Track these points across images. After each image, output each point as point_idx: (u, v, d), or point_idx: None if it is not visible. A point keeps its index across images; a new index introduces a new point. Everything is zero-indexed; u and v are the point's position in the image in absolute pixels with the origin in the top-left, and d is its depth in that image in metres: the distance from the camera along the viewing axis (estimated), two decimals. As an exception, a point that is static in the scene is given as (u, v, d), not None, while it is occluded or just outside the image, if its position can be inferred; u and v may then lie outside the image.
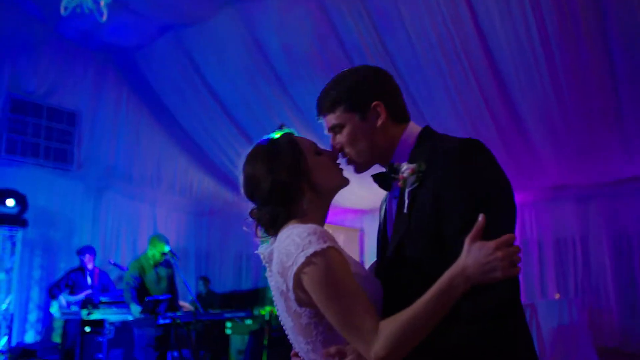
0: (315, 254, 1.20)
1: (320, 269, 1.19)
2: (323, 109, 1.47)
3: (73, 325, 6.36)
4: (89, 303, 6.42)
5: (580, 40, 6.10)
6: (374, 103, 1.42)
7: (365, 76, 1.47)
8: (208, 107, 8.97)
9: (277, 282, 1.29)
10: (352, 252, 6.75)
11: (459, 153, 1.28)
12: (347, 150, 1.45)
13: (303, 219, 1.34)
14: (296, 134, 1.48)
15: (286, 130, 1.49)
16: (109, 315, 6.11)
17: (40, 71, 8.28)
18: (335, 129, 1.45)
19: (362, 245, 10.51)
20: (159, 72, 8.82)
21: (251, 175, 1.40)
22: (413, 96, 7.38)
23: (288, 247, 1.24)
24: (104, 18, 5.57)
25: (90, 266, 6.75)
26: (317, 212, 1.39)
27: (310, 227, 1.26)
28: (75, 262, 7.07)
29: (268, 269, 1.39)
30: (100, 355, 5.90)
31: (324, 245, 1.21)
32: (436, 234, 1.25)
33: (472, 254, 1.12)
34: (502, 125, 7.43)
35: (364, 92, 1.43)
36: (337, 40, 7.11)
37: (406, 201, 1.33)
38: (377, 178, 1.49)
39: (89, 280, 6.68)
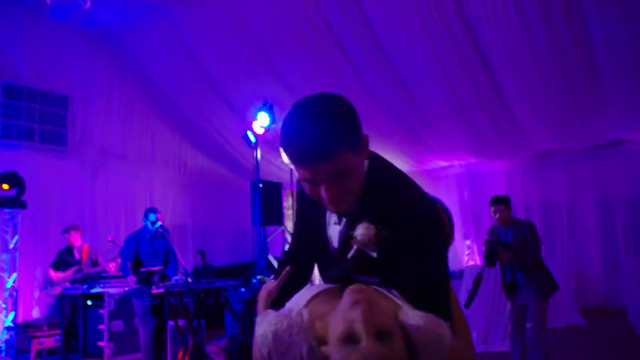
0: None
1: None
2: (327, 156, 1.13)
3: (68, 299, 6.64)
4: (89, 278, 6.70)
5: (557, 7, 6.21)
6: (363, 136, 1.22)
7: (351, 109, 1.22)
8: (198, 85, 9.10)
9: None
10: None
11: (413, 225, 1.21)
12: (347, 197, 1.21)
13: None
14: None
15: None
16: (109, 288, 6.39)
17: (31, 56, 8.37)
18: (340, 175, 1.17)
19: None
20: (148, 52, 8.93)
21: None
22: (397, 69, 7.53)
23: None
24: (87, 5, 5.68)
25: (77, 243, 6.92)
26: None
27: None
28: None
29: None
30: (103, 327, 6.19)
31: None
32: None
33: None
34: (483, 94, 7.59)
35: (358, 128, 1.20)
36: (321, 17, 7.22)
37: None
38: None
39: (76, 256, 6.86)
